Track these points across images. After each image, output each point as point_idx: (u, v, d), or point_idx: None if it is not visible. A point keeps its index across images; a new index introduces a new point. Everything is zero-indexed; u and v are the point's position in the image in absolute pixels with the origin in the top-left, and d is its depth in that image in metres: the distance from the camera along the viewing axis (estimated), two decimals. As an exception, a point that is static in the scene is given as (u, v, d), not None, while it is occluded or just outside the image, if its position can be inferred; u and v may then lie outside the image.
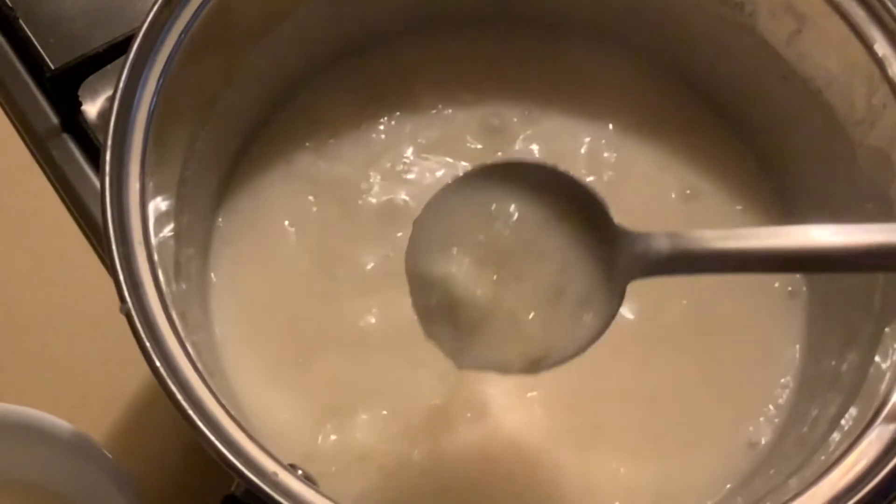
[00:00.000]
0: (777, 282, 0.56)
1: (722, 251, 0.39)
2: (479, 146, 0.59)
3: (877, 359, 0.45)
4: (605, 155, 0.59)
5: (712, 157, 0.60)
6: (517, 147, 0.59)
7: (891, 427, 0.41)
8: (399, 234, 0.55)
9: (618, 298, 0.41)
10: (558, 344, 0.41)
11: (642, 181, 0.59)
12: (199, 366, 0.40)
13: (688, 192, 0.59)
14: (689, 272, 0.41)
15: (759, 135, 0.59)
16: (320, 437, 0.50)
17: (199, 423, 0.38)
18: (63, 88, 0.63)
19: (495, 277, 0.41)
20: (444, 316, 0.42)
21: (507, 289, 0.41)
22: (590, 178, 0.58)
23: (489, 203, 0.42)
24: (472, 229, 0.42)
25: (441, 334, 0.42)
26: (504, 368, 0.41)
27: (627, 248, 0.40)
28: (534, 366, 0.41)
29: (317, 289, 0.54)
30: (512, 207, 0.42)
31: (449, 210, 0.42)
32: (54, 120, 0.64)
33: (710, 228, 0.40)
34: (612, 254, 0.41)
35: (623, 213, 0.56)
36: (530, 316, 0.41)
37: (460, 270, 0.41)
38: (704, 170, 0.59)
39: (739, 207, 0.58)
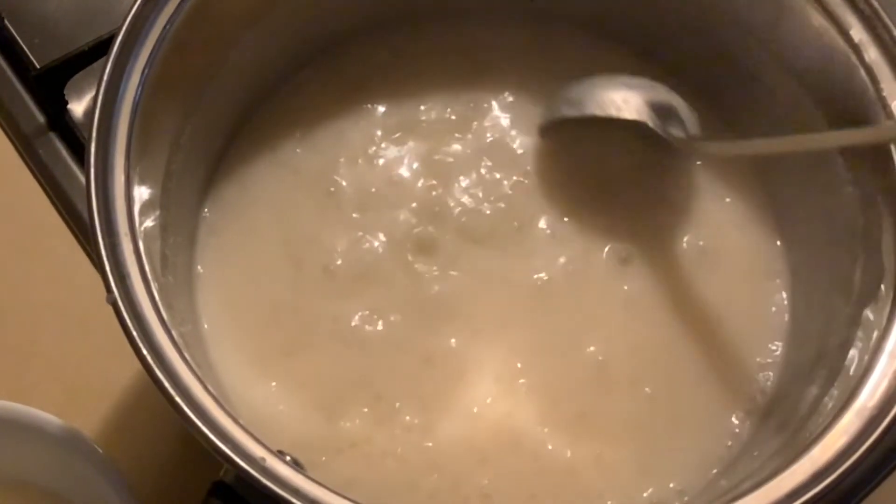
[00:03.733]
0: (759, 269, 0.57)
1: None
2: (458, 135, 0.59)
3: (856, 340, 0.46)
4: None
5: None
6: (491, 134, 0.59)
7: (870, 405, 0.41)
8: (380, 222, 0.56)
9: None
10: None
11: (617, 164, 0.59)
12: (187, 355, 0.40)
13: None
14: None
15: (737, 122, 0.59)
16: (308, 428, 0.51)
17: (187, 411, 0.38)
18: (49, 87, 0.63)
19: None
20: None
21: None
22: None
23: None
24: None
25: None
26: None
27: None
28: None
29: (295, 279, 0.54)
30: None
31: None
32: (40, 119, 0.65)
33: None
34: None
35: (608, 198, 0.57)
36: None
37: None
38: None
39: (728, 197, 0.59)
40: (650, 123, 0.53)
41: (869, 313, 0.46)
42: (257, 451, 0.38)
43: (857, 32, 0.48)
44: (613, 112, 0.53)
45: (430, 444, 0.50)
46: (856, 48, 0.49)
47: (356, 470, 0.50)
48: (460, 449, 0.50)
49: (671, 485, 0.50)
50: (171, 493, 0.54)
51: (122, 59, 0.45)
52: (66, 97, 0.64)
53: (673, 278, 0.56)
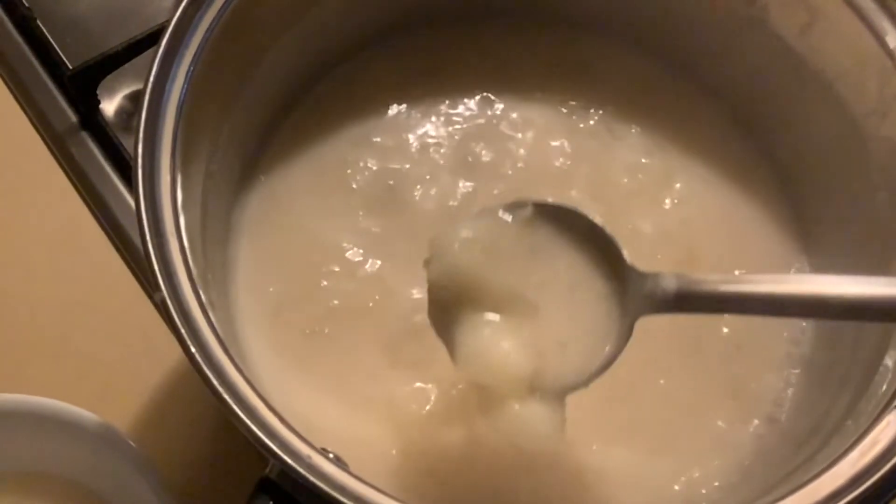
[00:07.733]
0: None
1: (725, 294, 0.41)
2: (478, 125, 0.60)
3: (889, 353, 0.46)
4: (603, 147, 0.60)
5: (719, 149, 0.61)
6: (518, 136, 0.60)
7: (906, 411, 0.41)
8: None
9: (626, 334, 0.43)
10: (563, 370, 0.43)
11: (644, 177, 0.60)
12: (232, 353, 0.40)
13: (694, 184, 0.59)
14: (693, 311, 0.43)
15: (769, 127, 0.59)
16: (339, 428, 0.51)
17: (236, 408, 0.38)
18: (82, 87, 0.63)
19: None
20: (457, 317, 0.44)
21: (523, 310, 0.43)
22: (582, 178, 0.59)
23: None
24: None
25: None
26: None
27: (636, 286, 0.42)
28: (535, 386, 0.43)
29: (323, 277, 0.55)
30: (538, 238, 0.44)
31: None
32: (73, 118, 0.65)
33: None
34: (622, 290, 0.43)
35: (631, 217, 0.57)
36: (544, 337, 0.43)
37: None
38: (709, 161, 0.60)
39: (743, 197, 0.59)
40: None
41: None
42: (303, 448, 0.38)
43: (893, 39, 0.49)
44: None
45: (457, 442, 0.51)
46: (891, 54, 0.49)
47: (385, 466, 0.50)
48: (482, 449, 0.51)
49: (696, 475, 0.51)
50: (204, 489, 0.54)
51: (167, 61, 0.45)
52: (98, 96, 0.64)
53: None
